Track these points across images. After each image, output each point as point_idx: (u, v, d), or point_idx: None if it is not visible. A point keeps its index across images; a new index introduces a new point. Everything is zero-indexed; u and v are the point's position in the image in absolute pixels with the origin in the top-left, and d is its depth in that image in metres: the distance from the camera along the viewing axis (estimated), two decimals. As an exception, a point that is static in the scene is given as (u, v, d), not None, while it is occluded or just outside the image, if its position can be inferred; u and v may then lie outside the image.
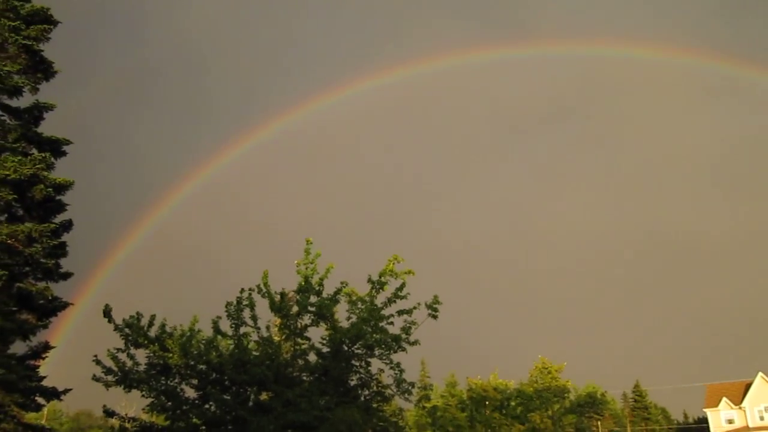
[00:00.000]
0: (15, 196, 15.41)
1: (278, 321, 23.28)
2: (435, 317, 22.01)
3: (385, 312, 22.31)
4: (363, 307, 22.35)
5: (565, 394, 57.04)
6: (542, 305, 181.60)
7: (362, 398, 22.74)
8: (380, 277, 22.63)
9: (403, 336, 21.84)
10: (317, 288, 22.39)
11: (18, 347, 15.85)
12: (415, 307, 22.15)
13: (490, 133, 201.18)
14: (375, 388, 23.41)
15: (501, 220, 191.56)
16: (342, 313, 22.76)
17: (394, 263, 22.74)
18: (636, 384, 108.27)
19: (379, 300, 22.62)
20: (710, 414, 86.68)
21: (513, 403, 45.62)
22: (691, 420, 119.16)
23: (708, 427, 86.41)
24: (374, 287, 22.63)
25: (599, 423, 74.98)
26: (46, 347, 16.88)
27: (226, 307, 21.51)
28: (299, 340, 22.94)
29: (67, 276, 16.86)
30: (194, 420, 19.84)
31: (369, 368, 22.68)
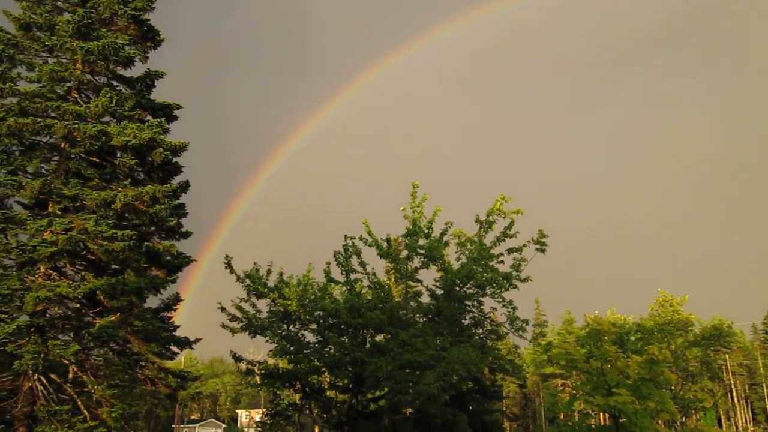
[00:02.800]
0: (136, 160, 16.35)
1: (388, 266, 23.71)
2: (543, 251, 21.67)
3: (495, 251, 22.21)
4: (472, 247, 22.32)
5: (689, 328, 54.85)
6: (660, 233, 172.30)
7: (477, 337, 22.93)
8: (488, 216, 22.47)
9: (514, 273, 21.68)
10: (426, 231, 22.56)
11: (152, 302, 17.03)
12: (525, 245, 21.89)
13: (597, 65, 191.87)
14: (489, 326, 23.53)
15: (612, 149, 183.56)
16: (452, 255, 22.92)
17: (501, 203, 22.45)
18: (767, 315, 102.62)
19: (488, 240, 22.52)
20: None
21: (633, 338, 44.41)
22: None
23: None
24: (482, 227, 22.52)
25: (727, 356, 71.97)
26: (177, 300, 17.94)
27: (334, 256, 22.14)
28: (410, 283, 23.32)
29: (187, 235, 17.82)
30: (315, 362, 20.74)
31: (482, 307, 22.84)
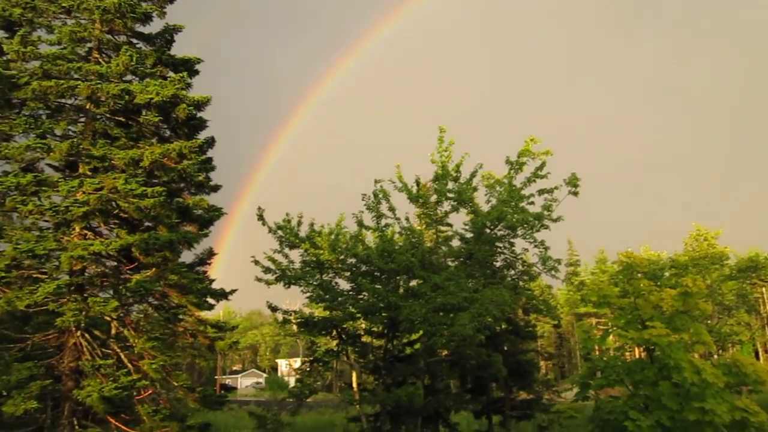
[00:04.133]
0: (161, 117, 16.35)
1: (418, 211, 23.66)
2: (575, 194, 21.45)
3: (525, 192, 22.02)
4: (502, 189, 22.16)
5: (724, 261, 54.19)
6: (692, 168, 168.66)
7: (509, 278, 22.94)
8: (518, 158, 22.22)
9: (545, 214, 21.50)
10: (454, 174, 22.40)
11: (186, 257, 17.24)
12: (556, 187, 21.66)
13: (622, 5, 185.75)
14: (521, 267, 23.51)
15: (639, 86, 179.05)
16: (481, 198, 22.79)
17: (531, 144, 22.17)
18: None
19: (518, 181, 22.32)
20: None
21: (667, 274, 44.02)
22: None
23: None
24: (512, 168, 22.31)
25: (764, 289, 71.15)
26: (211, 254, 18.14)
27: (363, 199, 22.11)
28: (441, 228, 23.27)
29: (217, 188, 17.87)
30: (350, 309, 20.96)
31: (513, 249, 22.79)
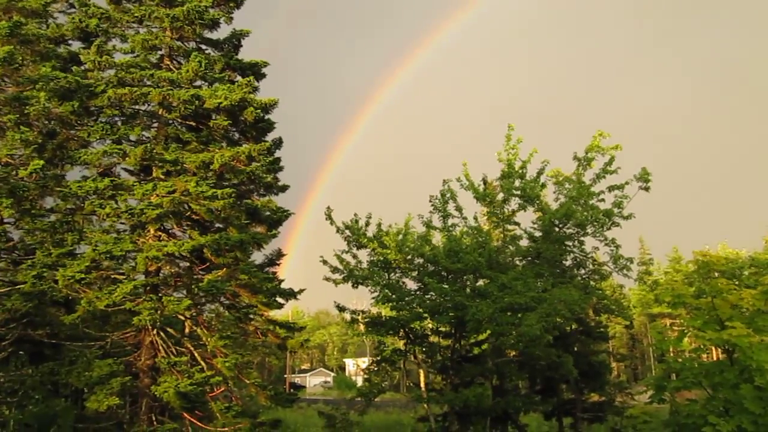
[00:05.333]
0: (229, 121, 16.68)
1: (485, 210, 23.39)
2: (647, 189, 20.80)
3: (594, 189, 21.52)
4: (570, 186, 21.73)
5: (809, 259, 51.40)
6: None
7: (579, 278, 22.44)
8: (586, 153, 21.76)
9: (616, 211, 20.95)
10: (521, 172, 22.14)
11: (256, 258, 17.54)
12: (627, 183, 21.09)
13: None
14: (591, 266, 22.95)
15: (714, 77, 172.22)
16: (549, 196, 22.43)
17: (599, 139, 21.66)
18: None
19: (587, 177, 21.86)
20: None
21: (746, 272, 42.11)
22: None
23: None
24: (581, 164, 21.86)
25: None
26: (280, 255, 18.45)
27: (430, 200, 22.05)
28: (508, 227, 22.96)
29: (284, 189, 18.14)
30: (417, 309, 20.87)
31: (583, 247, 22.33)
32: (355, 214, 22.19)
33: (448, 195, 22.08)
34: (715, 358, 19.24)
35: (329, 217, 21.89)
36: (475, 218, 22.32)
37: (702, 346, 14.53)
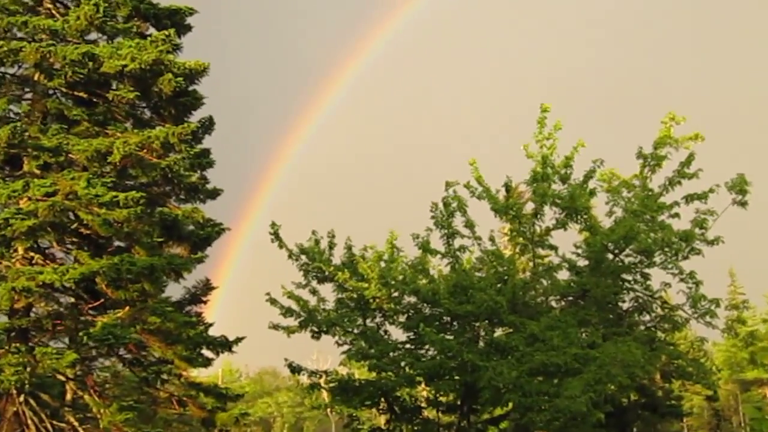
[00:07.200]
0: (138, 92, 16.54)
1: (506, 228, 23.40)
2: (743, 204, 20.72)
3: (666, 199, 21.50)
4: (631, 194, 21.64)
5: None
6: None
7: (642, 327, 22.49)
8: (655, 148, 21.64)
9: (697, 232, 20.96)
10: (563, 172, 21.90)
11: (173, 290, 17.40)
12: (711, 190, 21.07)
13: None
14: (659, 311, 22.98)
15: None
16: (601, 208, 22.28)
17: (671, 126, 21.59)
18: None
19: (655, 183, 21.79)
20: None
21: None
22: None
23: None
24: (647, 164, 21.75)
25: None
26: (207, 287, 18.34)
27: (431, 210, 21.91)
28: (540, 251, 22.94)
29: (216, 194, 18.07)
30: (406, 369, 20.76)
31: (648, 283, 22.26)
32: (314, 232, 22.12)
33: (455, 204, 21.94)
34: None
35: (276, 236, 21.80)
36: (492, 239, 22.27)
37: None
